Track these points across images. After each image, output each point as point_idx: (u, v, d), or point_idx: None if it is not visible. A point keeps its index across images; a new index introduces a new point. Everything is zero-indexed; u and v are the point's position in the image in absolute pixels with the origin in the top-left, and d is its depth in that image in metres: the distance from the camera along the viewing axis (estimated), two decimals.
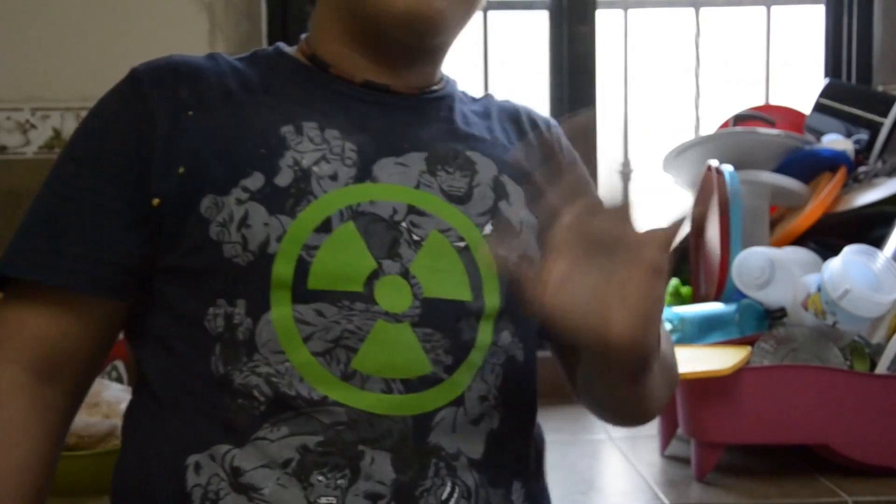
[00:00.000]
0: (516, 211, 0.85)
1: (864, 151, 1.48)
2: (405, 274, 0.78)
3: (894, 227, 1.25)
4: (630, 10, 1.75)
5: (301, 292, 0.76)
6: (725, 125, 1.60)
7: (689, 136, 1.62)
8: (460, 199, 0.82)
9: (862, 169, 1.42)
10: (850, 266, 1.09)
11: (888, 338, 1.14)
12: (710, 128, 1.70)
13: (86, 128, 0.83)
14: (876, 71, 1.71)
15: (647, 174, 1.75)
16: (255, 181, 0.77)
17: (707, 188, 1.39)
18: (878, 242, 1.22)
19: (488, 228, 0.82)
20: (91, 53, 1.55)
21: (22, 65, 1.56)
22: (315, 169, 0.79)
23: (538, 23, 1.70)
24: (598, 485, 1.18)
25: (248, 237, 0.76)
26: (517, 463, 0.84)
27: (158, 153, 0.78)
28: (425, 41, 0.84)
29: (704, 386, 1.11)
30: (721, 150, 1.44)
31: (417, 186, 0.81)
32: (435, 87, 0.90)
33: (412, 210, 0.80)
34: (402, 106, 0.86)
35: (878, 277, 1.10)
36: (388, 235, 0.78)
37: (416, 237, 0.79)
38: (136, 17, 1.56)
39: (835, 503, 1.06)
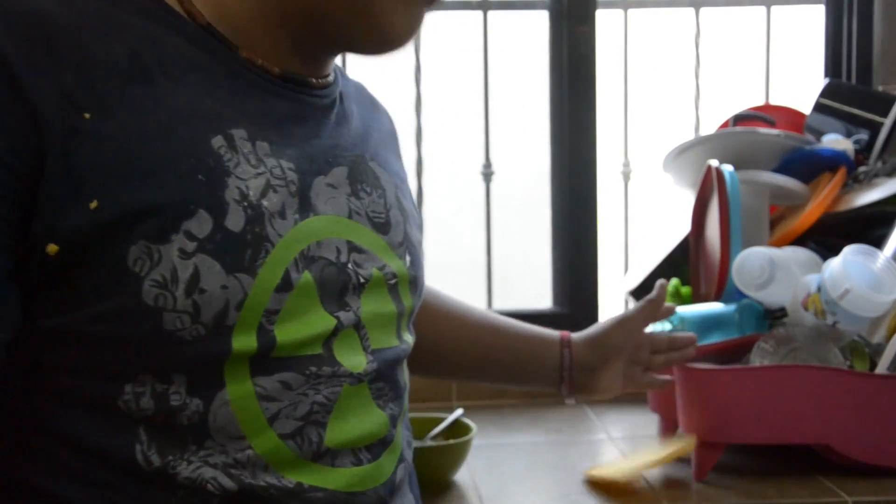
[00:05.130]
0: (416, 234, 0.78)
1: (864, 151, 1.48)
2: (357, 325, 0.68)
3: (894, 227, 1.25)
4: (630, 10, 1.75)
5: (262, 363, 0.62)
6: (725, 125, 1.60)
7: (689, 136, 1.62)
8: (383, 228, 0.73)
9: (862, 169, 1.42)
10: (850, 266, 1.09)
11: (888, 338, 1.14)
12: (710, 128, 1.70)
13: None
14: (876, 71, 1.71)
15: (647, 174, 1.75)
16: (202, 224, 0.59)
17: (707, 188, 1.39)
18: (878, 242, 1.22)
19: (408, 260, 0.75)
20: None
21: None
22: (265, 204, 0.62)
23: (538, 23, 1.70)
24: (598, 485, 1.18)
25: (201, 305, 0.58)
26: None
27: (50, 173, 0.55)
28: (384, 54, 0.70)
29: (704, 386, 1.11)
30: (721, 150, 1.44)
31: (350, 215, 0.70)
32: (331, 74, 0.74)
33: (352, 247, 0.69)
34: (317, 105, 0.71)
35: (878, 277, 1.10)
36: (338, 282, 0.67)
37: (361, 279, 0.69)
38: None
39: (835, 503, 1.06)
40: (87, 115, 0.57)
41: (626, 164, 1.76)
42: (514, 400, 1.58)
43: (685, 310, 1.25)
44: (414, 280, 0.76)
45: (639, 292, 1.54)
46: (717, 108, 1.74)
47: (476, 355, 1.06)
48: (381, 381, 0.70)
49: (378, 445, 0.70)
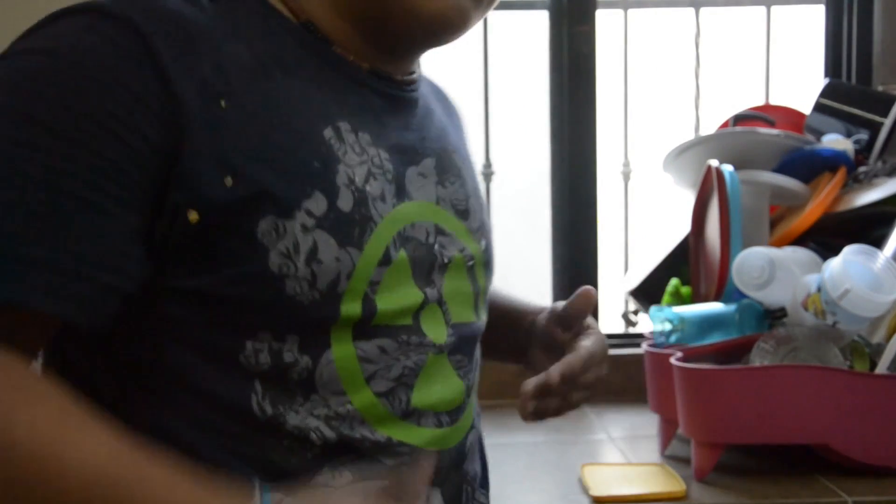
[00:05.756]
0: (488, 220, 0.87)
1: (864, 151, 1.48)
2: (440, 301, 0.76)
3: (894, 227, 1.25)
4: (630, 10, 1.75)
5: (363, 329, 0.70)
6: (725, 125, 1.60)
7: (689, 136, 1.62)
8: (464, 214, 0.81)
9: (862, 169, 1.42)
10: (850, 266, 1.09)
11: (888, 338, 1.14)
12: (710, 128, 1.70)
13: (70, 89, 0.61)
14: (876, 71, 1.71)
15: (647, 174, 1.75)
16: (318, 204, 0.67)
17: (707, 188, 1.39)
18: (878, 242, 1.22)
19: (483, 244, 0.83)
20: None
21: None
22: (368, 189, 0.71)
23: (538, 23, 1.70)
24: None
25: (317, 274, 0.66)
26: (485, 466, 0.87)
27: (190, 151, 0.63)
28: (442, 42, 0.78)
29: (704, 386, 1.11)
30: (721, 150, 1.44)
31: (437, 202, 0.78)
32: (416, 72, 0.83)
33: (438, 230, 0.77)
34: (404, 100, 0.79)
35: (878, 277, 1.09)
36: (427, 261, 0.75)
37: (445, 260, 0.77)
38: None
39: (835, 503, 1.06)
40: (223, 103, 0.65)
41: (626, 164, 1.76)
42: (513, 400, 1.57)
43: (685, 310, 1.25)
44: (487, 263, 0.84)
45: (639, 292, 1.55)
46: (717, 108, 1.74)
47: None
48: (460, 353, 0.78)
49: (456, 411, 0.77)
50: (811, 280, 1.14)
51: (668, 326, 1.24)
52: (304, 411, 0.68)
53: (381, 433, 0.70)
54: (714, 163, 1.35)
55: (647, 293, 1.52)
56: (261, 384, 0.67)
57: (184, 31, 0.65)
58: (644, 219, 1.78)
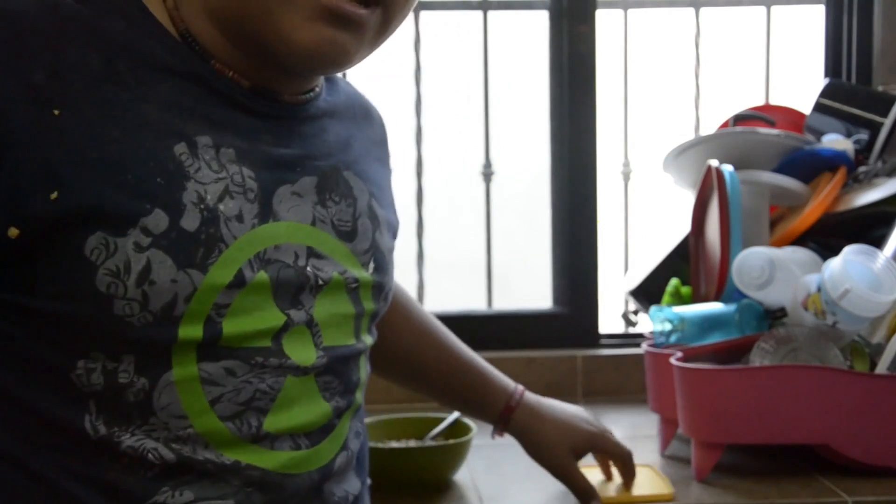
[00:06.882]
0: (387, 241, 0.83)
1: (864, 151, 1.48)
2: (309, 322, 0.73)
3: (894, 227, 1.25)
4: (630, 10, 1.75)
5: (208, 350, 0.67)
6: (725, 125, 1.60)
7: (689, 136, 1.62)
8: (348, 236, 0.77)
9: (862, 169, 1.42)
10: (850, 266, 1.09)
11: (888, 338, 1.14)
12: (710, 128, 1.70)
13: None
14: (876, 71, 1.71)
15: (647, 174, 1.75)
16: (158, 222, 0.64)
17: (707, 188, 1.39)
18: (878, 242, 1.22)
19: (371, 267, 0.79)
20: None
21: None
22: (221, 208, 0.67)
23: (538, 23, 1.70)
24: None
25: (150, 296, 0.63)
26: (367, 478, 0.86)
27: (11, 163, 0.60)
28: (324, 73, 0.77)
29: (704, 386, 1.11)
30: (721, 150, 1.44)
31: (314, 223, 0.74)
32: (316, 89, 0.79)
33: (311, 252, 0.73)
34: (288, 117, 0.75)
35: (878, 277, 1.10)
36: (294, 283, 0.72)
37: (320, 282, 0.74)
38: None
39: (835, 503, 1.06)
40: (56, 112, 0.62)
41: (626, 164, 1.76)
42: None
43: (685, 310, 1.25)
44: (378, 285, 0.81)
45: (639, 292, 1.54)
46: (717, 108, 1.74)
47: (434, 377, 1.08)
48: (330, 374, 0.75)
49: (318, 433, 0.74)
50: (811, 280, 1.14)
51: (668, 326, 1.24)
52: (142, 433, 0.65)
53: (228, 457, 0.68)
54: (714, 163, 1.35)
55: (647, 293, 1.52)
56: (94, 404, 0.64)
57: (13, 35, 0.62)
58: (644, 219, 1.78)
